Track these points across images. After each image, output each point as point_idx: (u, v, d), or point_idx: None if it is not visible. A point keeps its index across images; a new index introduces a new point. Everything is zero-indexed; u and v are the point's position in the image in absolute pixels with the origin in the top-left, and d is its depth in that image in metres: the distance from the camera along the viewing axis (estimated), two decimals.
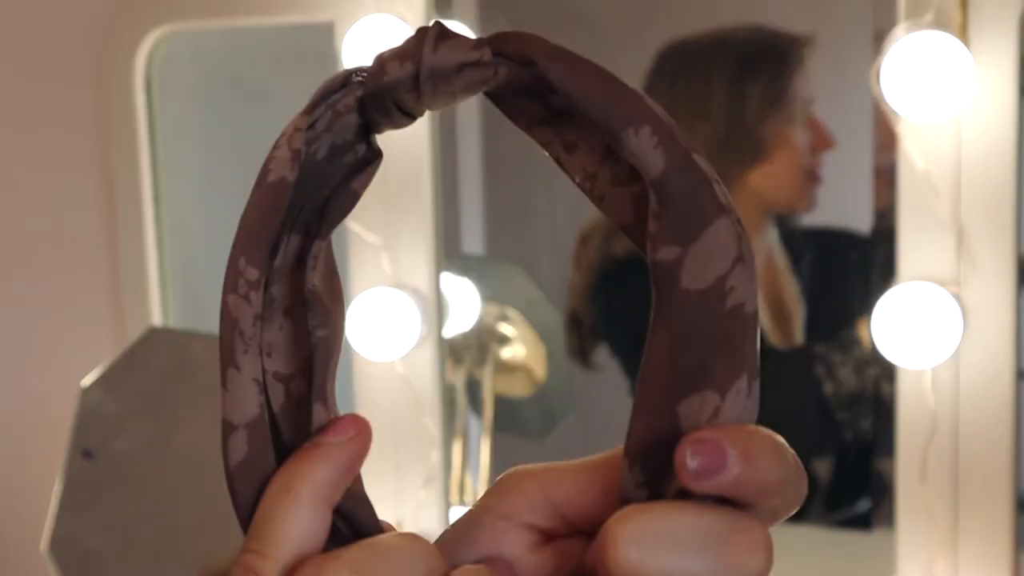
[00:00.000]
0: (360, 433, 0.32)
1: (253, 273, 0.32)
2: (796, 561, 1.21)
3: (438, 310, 1.15)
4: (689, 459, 0.29)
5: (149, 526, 1.09)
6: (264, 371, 0.33)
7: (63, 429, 1.10)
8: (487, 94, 0.33)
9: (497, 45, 0.31)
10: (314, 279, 0.33)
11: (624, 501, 0.31)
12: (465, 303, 1.28)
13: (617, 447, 0.32)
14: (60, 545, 1.06)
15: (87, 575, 1.07)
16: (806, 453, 1.20)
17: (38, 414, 1.34)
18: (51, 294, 1.34)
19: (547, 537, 0.33)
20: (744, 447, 0.29)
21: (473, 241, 1.32)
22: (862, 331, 1.14)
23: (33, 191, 1.33)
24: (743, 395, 0.30)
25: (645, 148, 0.30)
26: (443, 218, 1.17)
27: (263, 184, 0.32)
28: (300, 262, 0.33)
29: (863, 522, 1.21)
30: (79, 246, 1.31)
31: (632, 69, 1.27)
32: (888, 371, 1.07)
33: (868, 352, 1.14)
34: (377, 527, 0.33)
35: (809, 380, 1.20)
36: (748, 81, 1.22)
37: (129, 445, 1.09)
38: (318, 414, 0.32)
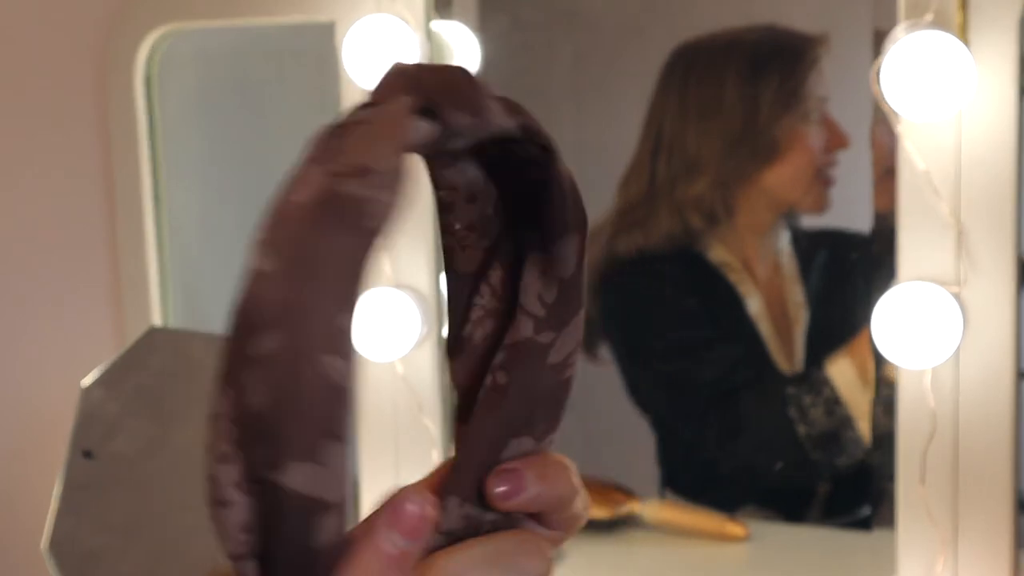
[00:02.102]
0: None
1: (347, 322, 0.29)
2: (796, 561, 1.21)
3: (438, 310, 1.15)
4: (496, 487, 0.36)
5: (149, 526, 1.09)
6: None
7: (63, 429, 1.10)
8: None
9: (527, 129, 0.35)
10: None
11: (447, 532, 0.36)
12: None
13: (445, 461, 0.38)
14: (60, 545, 1.06)
15: (87, 575, 1.07)
16: (806, 469, 1.20)
17: (38, 414, 1.34)
18: (51, 294, 1.34)
19: None
20: (539, 471, 0.37)
21: None
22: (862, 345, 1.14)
23: (33, 191, 1.33)
24: (551, 445, 0.38)
25: (570, 251, 0.36)
26: None
27: (360, 228, 0.29)
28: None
29: (863, 522, 1.21)
30: (79, 246, 1.31)
31: (632, 69, 1.27)
32: (887, 376, 1.08)
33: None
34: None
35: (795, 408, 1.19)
36: (761, 80, 1.21)
37: (129, 445, 1.09)
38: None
